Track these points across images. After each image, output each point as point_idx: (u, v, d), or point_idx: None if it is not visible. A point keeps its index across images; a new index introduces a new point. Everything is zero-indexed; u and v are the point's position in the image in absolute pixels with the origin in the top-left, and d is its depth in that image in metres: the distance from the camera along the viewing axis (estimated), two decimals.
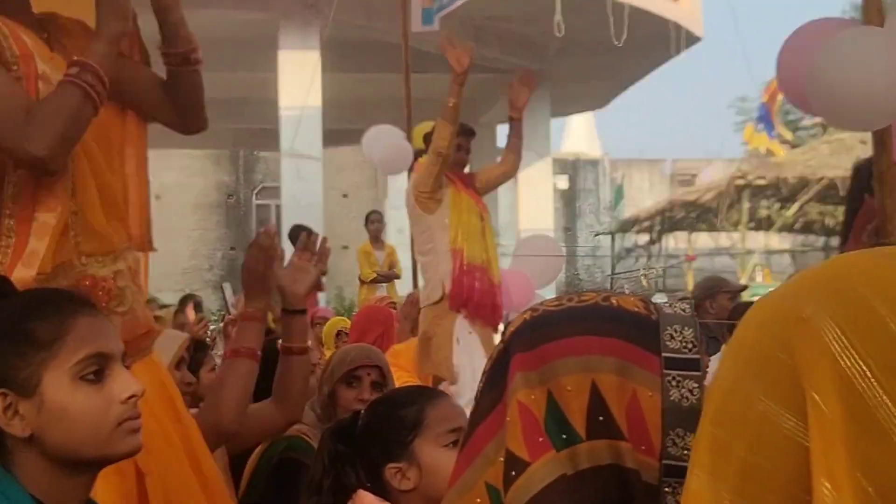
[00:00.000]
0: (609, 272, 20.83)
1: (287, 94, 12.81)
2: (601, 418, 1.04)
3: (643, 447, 1.05)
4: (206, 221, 23.63)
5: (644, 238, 20.13)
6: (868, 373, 0.59)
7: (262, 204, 23.82)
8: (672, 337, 1.06)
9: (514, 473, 1.06)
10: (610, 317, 1.08)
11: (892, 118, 3.31)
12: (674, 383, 1.04)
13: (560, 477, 1.04)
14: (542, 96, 16.17)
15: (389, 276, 9.76)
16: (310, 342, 4.84)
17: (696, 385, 1.05)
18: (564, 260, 8.63)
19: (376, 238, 10.03)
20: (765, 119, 16.77)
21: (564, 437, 1.05)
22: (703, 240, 19.75)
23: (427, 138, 5.34)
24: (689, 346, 1.06)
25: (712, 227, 18.18)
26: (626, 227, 20.46)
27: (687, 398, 1.04)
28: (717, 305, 5.49)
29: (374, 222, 10.07)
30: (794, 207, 16.48)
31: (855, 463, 0.59)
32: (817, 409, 0.60)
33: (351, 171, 21.57)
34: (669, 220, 18.96)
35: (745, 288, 6.42)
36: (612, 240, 21.13)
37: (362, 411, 2.01)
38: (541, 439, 1.05)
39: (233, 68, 14.60)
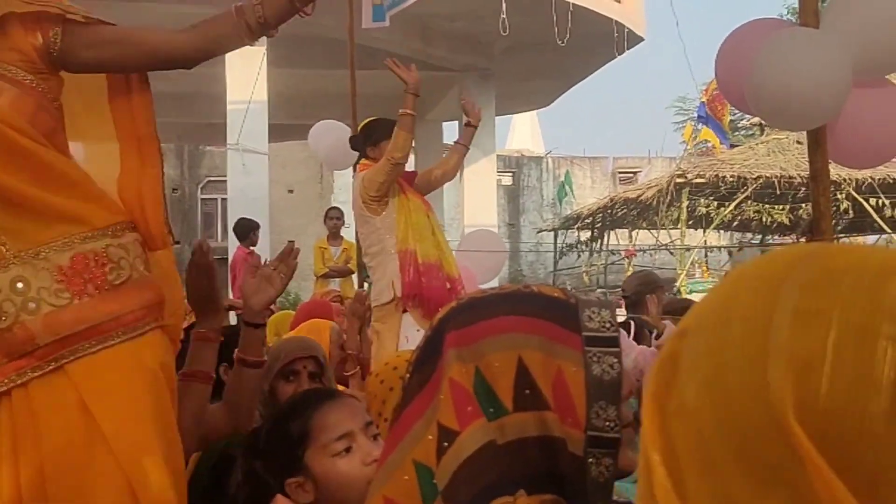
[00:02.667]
0: (551, 268, 21.00)
1: (234, 89, 12.73)
2: (528, 392, 1.10)
3: (569, 419, 1.10)
4: None
5: (586, 234, 20.34)
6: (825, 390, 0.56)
7: (208, 198, 23.63)
8: (591, 318, 1.13)
9: (445, 444, 1.11)
10: (533, 300, 1.16)
11: (826, 118, 3.36)
12: (595, 359, 1.11)
13: (489, 443, 1.09)
14: (488, 94, 16.22)
15: (342, 272, 9.78)
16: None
17: (615, 360, 1.11)
18: (507, 255, 8.69)
19: (335, 234, 10.05)
20: (704, 118, 17.02)
21: (492, 409, 1.10)
22: (644, 236, 20.01)
23: (366, 130, 5.34)
24: (608, 325, 1.13)
25: (653, 225, 18.44)
26: (568, 223, 20.65)
27: (608, 372, 1.10)
28: (660, 300, 5.57)
29: (333, 219, 10.08)
30: (732, 206, 16.77)
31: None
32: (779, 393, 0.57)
33: (297, 166, 21.48)
34: (611, 217, 19.19)
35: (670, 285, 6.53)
36: (555, 236, 21.31)
37: (263, 428, 2.02)
38: (470, 408, 1.10)
39: None
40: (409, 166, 5.48)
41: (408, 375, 1.20)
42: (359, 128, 7.95)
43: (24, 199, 2.06)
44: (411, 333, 4.91)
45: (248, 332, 2.52)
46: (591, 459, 1.10)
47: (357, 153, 7.69)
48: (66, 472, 2.00)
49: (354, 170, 7.93)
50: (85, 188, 2.19)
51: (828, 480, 0.53)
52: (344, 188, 17.47)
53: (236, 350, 2.55)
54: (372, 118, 5.53)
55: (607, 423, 1.10)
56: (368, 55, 12.20)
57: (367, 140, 5.24)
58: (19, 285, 2.02)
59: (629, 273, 18.70)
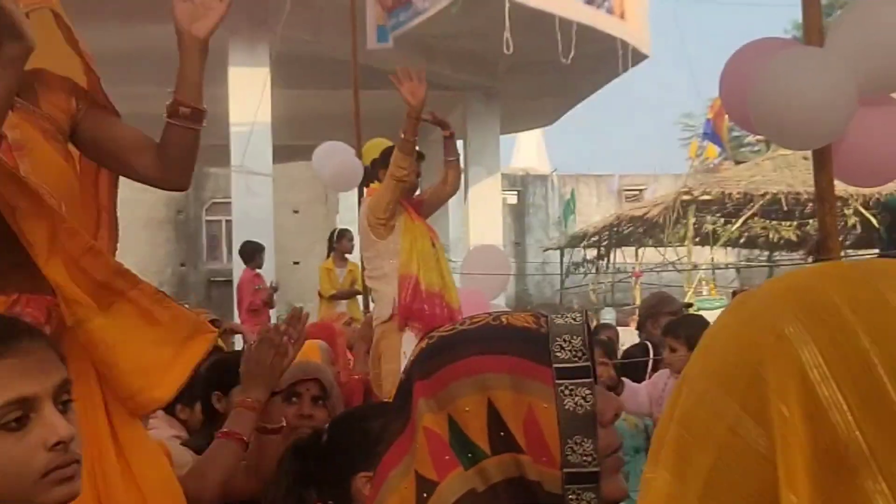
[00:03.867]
0: (558, 287, 20.96)
1: (237, 111, 12.74)
2: (501, 433, 1.06)
3: (544, 458, 1.06)
4: (156, 237, 23.41)
5: (592, 253, 20.30)
6: (845, 405, 0.57)
7: (213, 220, 23.65)
8: (562, 347, 1.08)
9: (424, 495, 1.07)
10: (500, 335, 1.10)
11: (832, 137, 3.35)
12: (567, 392, 1.06)
13: (469, 491, 1.06)
14: (492, 113, 16.24)
15: (349, 293, 9.78)
16: None
17: (588, 392, 1.06)
18: (513, 271, 8.68)
19: (342, 256, 10.05)
20: (710, 135, 17.02)
21: (470, 455, 1.06)
22: (651, 254, 19.97)
23: (378, 160, 5.37)
24: (579, 354, 1.08)
25: (659, 242, 18.40)
26: (574, 241, 20.62)
27: (581, 405, 1.06)
28: (658, 326, 5.53)
29: (348, 240, 10.07)
30: (739, 222, 16.73)
31: (815, 486, 0.58)
32: (784, 422, 0.59)
33: (301, 187, 21.49)
34: (617, 234, 19.16)
35: (689, 305, 6.48)
36: (561, 254, 21.28)
37: (326, 429, 2.02)
38: (447, 457, 1.07)
39: None
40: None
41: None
42: (364, 149, 7.96)
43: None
44: (410, 350, 4.90)
45: (265, 439, 2.55)
46: (571, 497, 1.06)
47: (361, 174, 7.73)
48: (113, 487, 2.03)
49: (360, 191, 7.98)
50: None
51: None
52: (349, 209, 17.47)
53: (259, 418, 2.56)
54: (388, 143, 5.56)
55: (584, 458, 1.05)
56: (372, 76, 12.21)
57: (381, 165, 5.26)
58: None
59: (636, 292, 18.68)
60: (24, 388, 1.30)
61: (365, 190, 5.40)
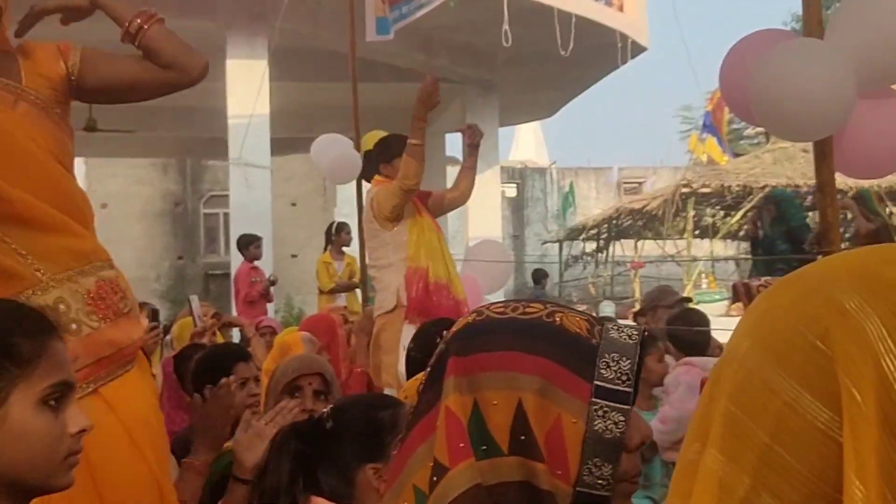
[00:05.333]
0: (557, 280, 20.96)
1: (235, 103, 12.72)
2: (523, 437, 1.04)
3: (559, 472, 1.04)
4: (153, 230, 23.40)
5: (591, 245, 20.29)
6: None
7: (210, 213, 23.64)
8: (608, 366, 1.06)
9: (435, 479, 1.06)
10: (548, 335, 1.07)
11: (832, 129, 3.36)
12: (600, 413, 1.04)
13: (476, 486, 1.04)
14: (491, 105, 16.21)
15: (348, 286, 9.76)
16: (259, 352, 4.80)
17: (622, 418, 1.04)
18: (513, 266, 8.67)
19: (339, 249, 10.03)
20: (709, 128, 16.99)
21: (485, 448, 1.05)
22: (650, 247, 19.95)
23: (379, 147, 5.33)
24: (624, 378, 1.05)
25: (658, 235, 18.38)
26: (573, 234, 20.61)
27: (611, 430, 1.04)
28: (657, 319, 5.55)
29: (346, 233, 10.05)
30: (738, 215, 16.71)
31: (882, 471, 0.57)
32: (855, 406, 0.58)
33: (299, 179, 21.48)
34: (616, 227, 19.14)
35: (688, 300, 6.48)
36: (560, 247, 21.27)
37: (326, 413, 1.97)
38: (462, 445, 1.05)
39: None
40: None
41: (419, 392, 1.16)
42: (362, 141, 7.94)
43: (53, 223, 2.12)
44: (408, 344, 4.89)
45: (236, 487, 2.49)
46: None
47: (359, 167, 7.71)
48: (117, 485, 2.08)
49: (359, 183, 7.95)
50: (90, 220, 2.26)
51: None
52: (347, 201, 17.45)
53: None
54: (385, 134, 5.54)
55: (599, 482, 1.04)
56: (370, 68, 12.20)
57: (381, 157, 5.23)
58: (61, 307, 2.08)
59: (635, 285, 18.67)
60: (68, 375, 1.42)
61: (371, 182, 5.34)
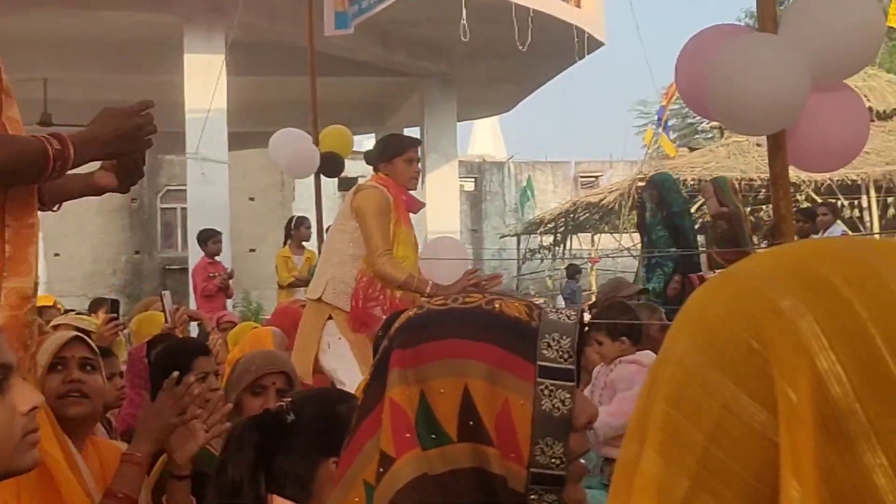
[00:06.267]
0: (515, 273, 21.04)
1: (192, 98, 12.64)
2: (471, 423, 1.04)
3: (512, 454, 1.04)
4: (110, 225, 23.13)
5: (549, 239, 20.38)
6: (844, 377, 0.56)
7: (167, 207, 23.43)
8: (549, 346, 1.07)
9: (381, 470, 1.07)
10: (489, 322, 1.08)
11: (785, 123, 3.40)
12: (546, 392, 1.05)
13: (423, 475, 1.05)
14: (449, 100, 16.23)
15: (308, 281, 9.67)
16: (217, 347, 4.77)
17: (568, 395, 1.05)
18: (470, 263, 8.69)
19: (299, 244, 9.98)
20: (664, 123, 17.13)
21: (434, 436, 1.05)
22: (606, 240, 20.07)
23: (380, 145, 5.14)
24: (566, 356, 1.07)
25: (615, 228, 18.49)
26: (531, 228, 20.68)
27: (558, 408, 1.05)
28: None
29: (305, 227, 9.97)
30: (693, 209, 16.86)
31: (819, 470, 0.57)
32: (791, 406, 0.57)
33: (257, 174, 21.36)
34: (573, 221, 19.24)
35: (644, 291, 6.54)
36: (518, 241, 21.33)
37: (286, 406, 1.94)
38: (408, 435, 1.05)
39: (137, 71, 14.32)
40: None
41: (364, 389, 1.15)
42: (321, 136, 7.94)
43: None
44: (333, 341, 4.80)
45: (176, 485, 2.45)
46: (532, 496, 1.06)
47: (318, 161, 7.70)
48: None
49: (317, 177, 7.94)
50: None
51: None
52: (306, 196, 17.40)
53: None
54: (345, 131, 5.41)
55: (553, 461, 1.05)
56: (329, 62, 12.16)
57: (381, 156, 5.02)
58: None
59: (592, 278, 18.79)
60: (7, 357, 1.39)
61: (371, 176, 5.06)
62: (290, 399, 2.01)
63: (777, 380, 0.57)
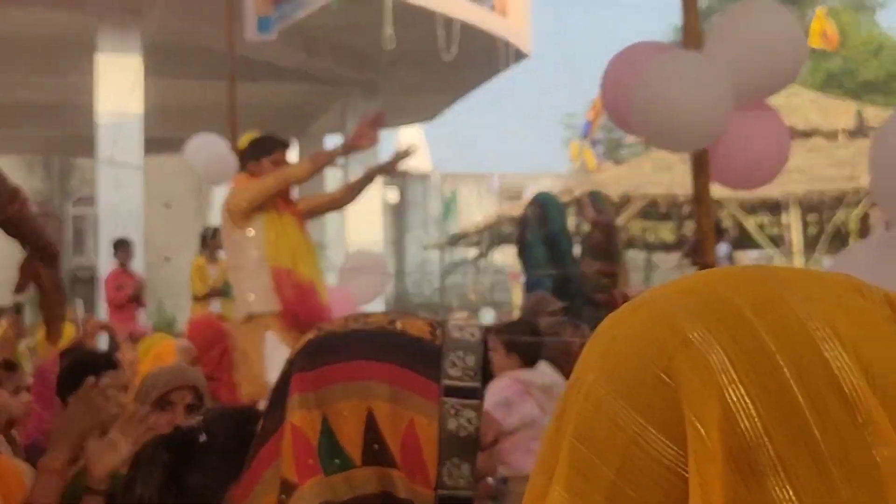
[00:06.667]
0: (437, 286, 21.01)
1: (105, 100, 12.35)
2: (376, 446, 1.03)
3: (418, 477, 1.03)
4: None
5: (472, 252, 20.38)
6: (753, 410, 0.56)
7: (79, 214, 22.90)
8: (454, 364, 1.06)
9: (284, 497, 1.05)
10: (392, 342, 1.07)
11: (708, 140, 3.44)
12: (452, 412, 1.04)
13: (327, 502, 1.03)
14: (373, 108, 16.14)
15: (223, 292, 9.48)
16: (130, 358, 4.62)
17: (474, 414, 1.04)
18: (392, 273, 8.64)
19: (214, 253, 9.77)
20: (589, 135, 17.26)
21: (337, 461, 1.04)
22: None
23: (252, 144, 5.16)
24: (471, 373, 1.06)
25: None
26: (454, 241, 20.67)
27: (465, 427, 1.04)
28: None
29: (216, 238, 9.79)
30: (617, 223, 16.98)
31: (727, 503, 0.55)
32: (700, 440, 0.56)
33: (175, 180, 20.97)
34: (497, 234, 19.25)
35: (564, 308, 6.53)
36: (441, 254, 21.30)
37: (197, 425, 1.88)
38: (311, 461, 1.04)
39: (46, 71, 13.96)
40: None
41: (264, 415, 1.13)
42: (239, 142, 7.74)
43: None
44: (273, 351, 4.74)
45: (89, 498, 2.33)
46: None
47: (236, 167, 7.51)
48: None
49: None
50: None
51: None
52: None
53: None
54: (259, 134, 5.42)
55: (460, 481, 1.03)
56: (250, 67, 11.96)
57: (251, 154, 5.07)
58: None
59: (515, 292, 18.80)
60: None
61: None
62: (201, 417, 1.93)
63: (686, 413, 0.56)
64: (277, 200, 4.96)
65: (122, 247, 9.95)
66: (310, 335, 1.12)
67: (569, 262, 7.99)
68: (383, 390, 1.04)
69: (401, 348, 1.06)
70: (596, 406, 0.60)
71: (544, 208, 8.07)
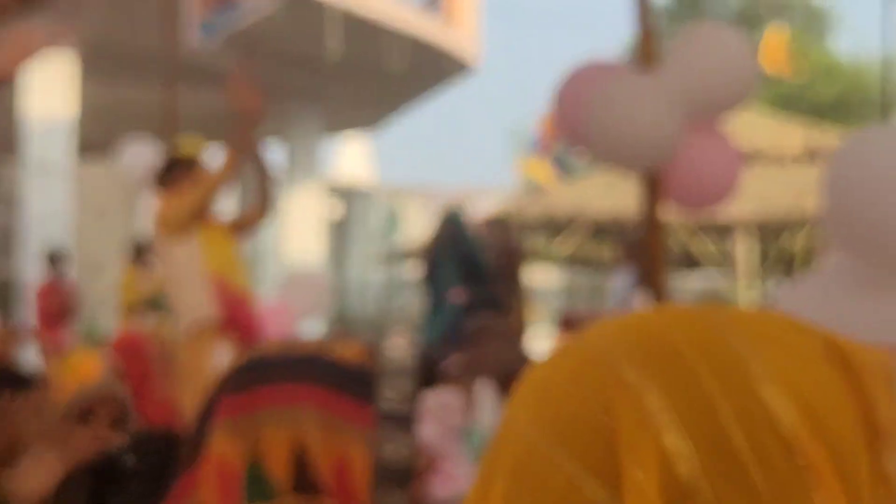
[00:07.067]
0: (381, 303, 20.92)
1: (35, 102, 12.12)
2: (306, 473, 1.02)
3: (351, 503, 1.02)
4: None
5: (415, 268, 20.32)
6: (690, 454, 0.55)
7: (3, 220, 22.45)
8: (389, 390, 0.96)
9: None
10: (327, 368, 1.06)
11: (660, 160, 3.49)
12: (386, 438, 0.96)
13: None
14: (316, 118, 16.05)
15: (156, 304, 9.34)
16: (55, 371, 4.52)
17: (408, 442, 0.99)
18: (332, 292, 8.61)
19: (144, 265, 9.62)
20: (539, 151, 17.33)
21: (266, 489, 1.02)
22: None
23: (175, 166, 5.08)
24: (406, 399, 0.97)
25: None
26: (396, 257, 20.59)
27: (399, 453, 0.97)
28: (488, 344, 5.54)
29: (147, 247, 9.66)
30: (564, 241, 17.04)
31: None
32: (636, 485, 0.55)
33: (106, 187, 20.65)
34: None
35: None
36: (385, 269, 21.22)
37: (125, 449, 1.77)
38: (235, 489, 1.02)
39: None
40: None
41: (189, 438, 1.10)
42: (177, 148, 7.61)
43: None
44: (221, 360, 4.71)
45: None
46: None
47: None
48: None
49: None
50: None
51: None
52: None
53: None
54: (202, 144, 5.39)
55: None
56: (189, 72, 11.76)
57: (179, 170, 5.00)
58: None
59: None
60: None
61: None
62: (128, 441, 1.83)
63: (623, 457, 0.56)
64: (207, 213, 4.91)
65: (56, 258, 9.86)
66: (242, 358, 1.11)
67: (483, 280, 7.92)
68: (316, 417, 1.03)
69: (335, 374, 1.06)
70: (530, 449, 0.59)
71: (457, 226, 8.07)
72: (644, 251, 3.93)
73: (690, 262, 17.74)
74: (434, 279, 8.14)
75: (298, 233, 15.47)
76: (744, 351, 0.57)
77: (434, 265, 8.26)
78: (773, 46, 15.40)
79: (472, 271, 7.92)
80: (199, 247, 4.82)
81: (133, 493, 1.79)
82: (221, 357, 4.66)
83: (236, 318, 4.78)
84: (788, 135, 17.68)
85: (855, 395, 0.57)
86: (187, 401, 4.68)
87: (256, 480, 1.02)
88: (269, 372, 1.06)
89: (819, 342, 0.59)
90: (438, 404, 4.12)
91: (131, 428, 2.93)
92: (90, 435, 2.65)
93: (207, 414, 1.07)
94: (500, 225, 8.38)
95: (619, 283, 9.16)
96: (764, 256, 16.68)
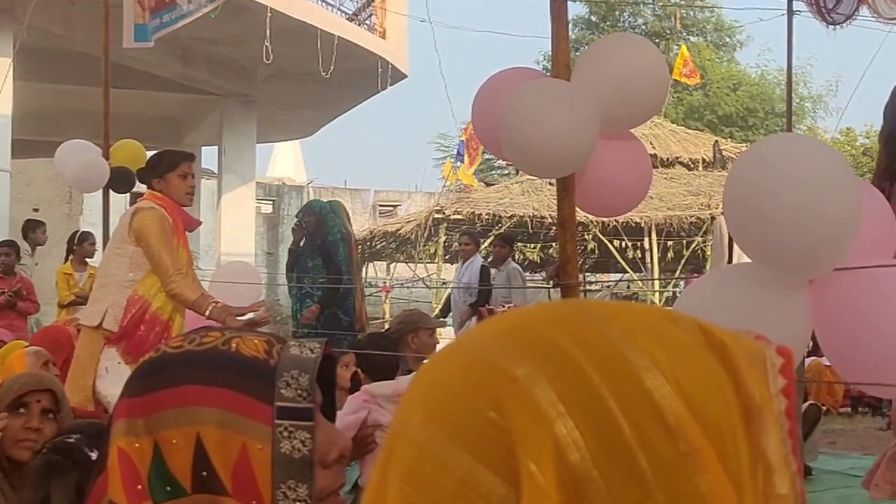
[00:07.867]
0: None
1: None
2: (205, 473, 1.00)
3: (253, 502, 1.01)
4: None
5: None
6: (582, 443, 0.55)
7: None
8: (288, 384, 1.03)
9: None
10: (224, 364, 1.04)
11: (574, 167, 3.49)
12: (285, 434, 1.02)
13: None
14: (249, 121, 16.01)
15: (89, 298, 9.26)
16: None
17: (308, 436, 1.02)
18: (262, 287, 8.56)
19: (82, 260, 9.54)
20: (462, 157, 17.54)
21: (168, 489, 1.01)
22: (402, 269, 20.25)
23: (153, 161, 5.07)
24: (305, 394, 1.03)
25: (410, 258, 18.71)
26: None
27: (299, 449, 1.02)
28: (419, 341, 5.69)
29: (90, 243, 9.55)
30: (486, 242, 17.29)
31: None
32: (532, 477, 0.55)
33: (44, 184, 20.35)
34: (370, 249, 19.33)
35: (443, 324, 6.65)
36: None
37: (78, 440, 1.87)
38: (139, 487, 1.01)
39: None
40: None
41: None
42: (112, 149, 7.65)
43: None
44: (111, 366, 4.69)
45: None
46: None
47: (107, 175, 7.41)
48: None
49: (106, 192, 7.63)
50: None
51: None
52: (94, 209, 16.72)
53: None
54: (138, 146, 5.27)
55: (297, 503, 1.02)
56: (125, 74, 11.76)
57: (154, 171, 4.93)
58: None
59: (385, 306, 18.91)
60: None
61: (146, 195, 4.95)
62: (78, 434, 1.92)
63: (517, 450, 0.55)
64: (178, 230, 4.84)
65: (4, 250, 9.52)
66: (146, 357, 1.08)
67: (346, 272, 7.89)
68: (213, 416, 1.00)
69: (233, 370, 1.03)
70: (422, 448, 0.59)
71: (320, 217, 7.99)
72: (559, 251, 3.84)
73: (608, 262, 18.12)
74: (298, 269, 8.19)
75: (233, 230, 15.45)
76: (624, 342, 0.58)
77: (298, 255, 8.30)
78: (684, 59, 15.87)
79: (335, 261, 7.83)
80: (146, 264, 4.74)
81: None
82: (113, 361, 4.69)
83: (137, 334, 4.72)
84: (697, 143, 18.18)
85: (732, 379, 0.58)
86: (69, 393, 4.68)
87: (161, 481, 1.01)
88: (169, 373, 1.03)
89: (693, 330, 0.60)
90: (385, 395, 3.96)
91: (63, 418, 2.86)
92: (21, 425, 2.75)
93: (109, 417, 1.06)
94: (333, 210, 8.21)
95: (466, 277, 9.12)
96: (675, 256, 17.07)
